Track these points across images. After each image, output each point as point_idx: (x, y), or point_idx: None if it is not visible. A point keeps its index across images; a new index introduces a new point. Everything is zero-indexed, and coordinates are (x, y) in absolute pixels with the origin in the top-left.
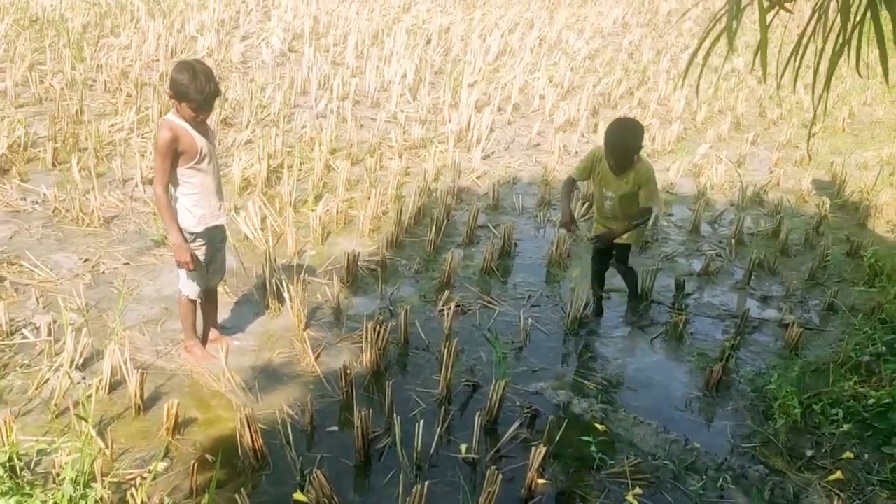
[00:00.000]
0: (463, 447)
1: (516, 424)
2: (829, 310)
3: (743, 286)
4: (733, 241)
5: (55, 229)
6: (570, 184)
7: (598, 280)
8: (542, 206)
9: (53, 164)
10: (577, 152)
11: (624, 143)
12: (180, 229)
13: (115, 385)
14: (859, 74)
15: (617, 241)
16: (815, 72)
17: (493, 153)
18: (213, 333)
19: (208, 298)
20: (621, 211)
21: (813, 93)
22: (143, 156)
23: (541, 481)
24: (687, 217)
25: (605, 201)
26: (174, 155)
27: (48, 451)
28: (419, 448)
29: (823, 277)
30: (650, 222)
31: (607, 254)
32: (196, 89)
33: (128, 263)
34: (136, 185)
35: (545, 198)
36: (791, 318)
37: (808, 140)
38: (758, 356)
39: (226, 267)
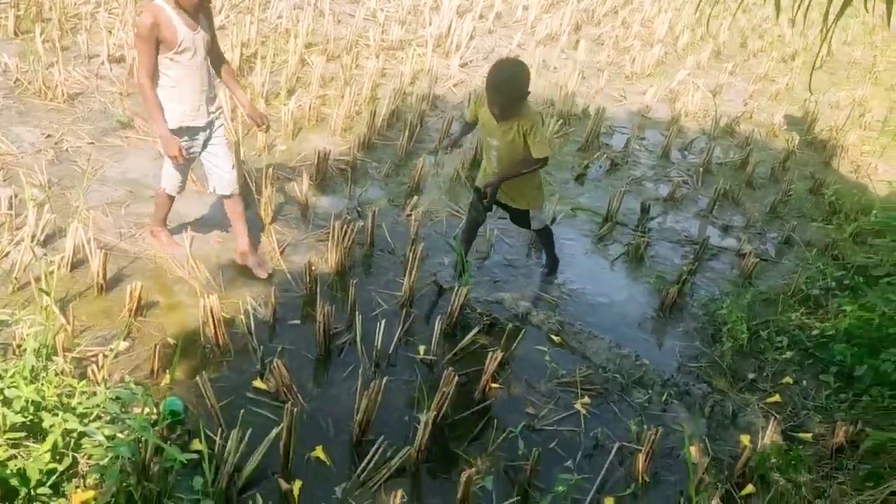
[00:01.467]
0: (422, 349)
1: (475, 331)
2: (786, 243)
3: (706, 214)
4: (701, 169)
5: (16, 101)
6: (465, 127)
7: (468, 236)
8: None
9: (15, 34)
10: (555, 68)
11: (505, 85)
12: (165, 120)
13: (78, 264)
14: (866, 9)
15: (512, 205)
16: (827, 11)
17: (471, 61)
18: (241, 245)
19: (228, 208)
20: (509, 162)
21: (824, 27)
22: (110, 32)
23: (494, 385)
24: (659, 142)
25: (490, 151)
26: (156, 42)
27: (9, 322)
28: (378, 346)
29: (784, 211)
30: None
31: (485, 210)
32: None
33: (92, 143)
34: (103, 63)
35: None
36: (748, 249)
37: (810, 77)
38: (713, 282)
39: (232, 177)
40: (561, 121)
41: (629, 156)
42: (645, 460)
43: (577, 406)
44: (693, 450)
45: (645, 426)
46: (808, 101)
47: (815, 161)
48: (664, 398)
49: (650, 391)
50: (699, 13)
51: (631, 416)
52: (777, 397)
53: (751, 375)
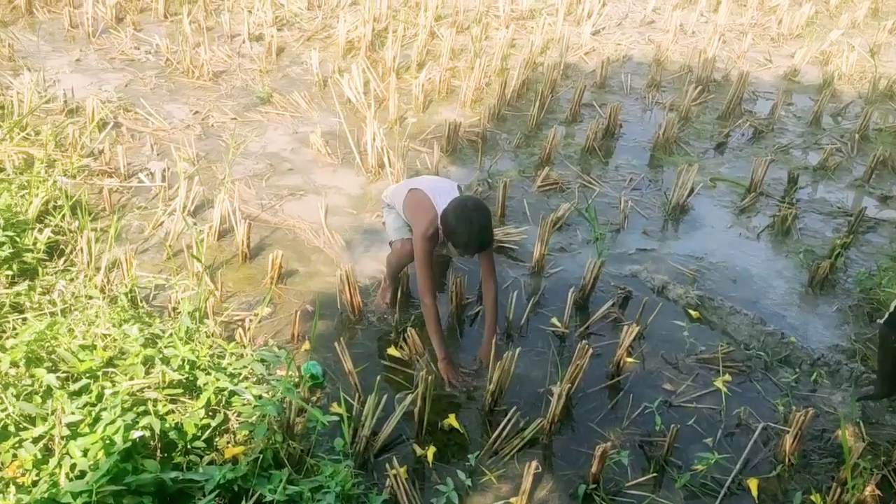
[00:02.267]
0: (555, 320)
1: (609, 303)
2: None
3: (862, 184)
4: (857, 135)
5: (167, 80)
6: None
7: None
8: (651, 88)
9: (165, 16)
10: (693, 32)
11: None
12: (447, 345)
13: (224, 233)
14: None
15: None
16: None
17: (603, 29)
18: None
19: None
20: None
21: None
22: (250, 12)
23: (629, 360)
24: (808, 108)
25: None
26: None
27: (164, 287)
28: (510, 317)
29: None
30: None
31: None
32: (467, 242)
33: (235, 118)
34: (244, 42)
35: (655, 79)
36: None
37: None
38: (870, 257)
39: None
40: (700, 87)
41: (775, 123)
42: (793, 442)
43: (718, 384)
44: (848, 433)
45: (793, 406)
46: None
47: None
48: (814, 378)
49: (798, 370)
50: None
51: (776, 395)
52: None
53: None
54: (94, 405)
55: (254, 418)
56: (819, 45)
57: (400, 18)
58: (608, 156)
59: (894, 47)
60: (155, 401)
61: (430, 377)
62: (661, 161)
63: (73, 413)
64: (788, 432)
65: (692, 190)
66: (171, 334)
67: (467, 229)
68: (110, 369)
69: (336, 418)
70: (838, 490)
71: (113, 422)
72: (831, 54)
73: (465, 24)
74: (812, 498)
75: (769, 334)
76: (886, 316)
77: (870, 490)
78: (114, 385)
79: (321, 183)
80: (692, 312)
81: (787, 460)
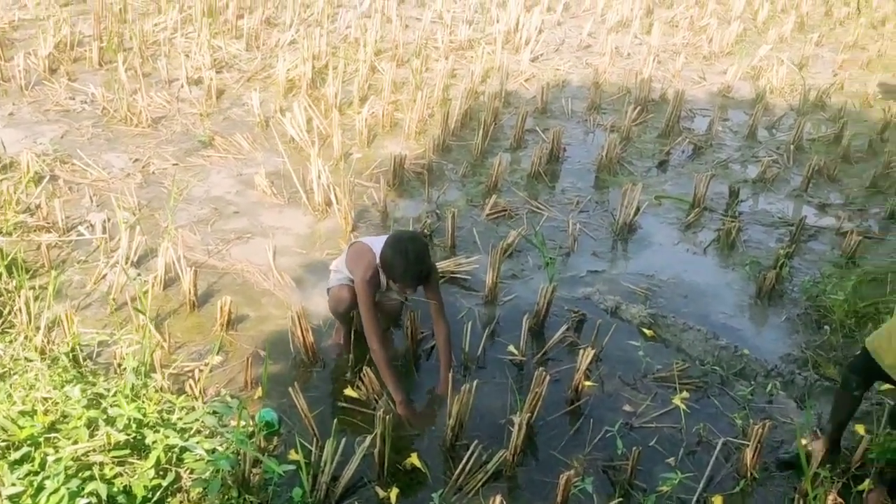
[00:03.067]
0: (511, 347)
1: (564, 328)
2: (891, 218)
3: (800, 193)
4: (792, 146)
5: (104, 129)
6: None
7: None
8: (592, 110)
9: (100, 64)
10: (629, 54)
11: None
12: (404, 386)
13: (170, 282)
14: None
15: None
16: None
17: (541, 55)
18: None
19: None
20: None
21: None
22: (187, 56)
23: (588, 383)
24: (743, 122)
25: None
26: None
27: (108, 342)
28: (466, 348)
29: (886, 185)
30: None
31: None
32: (404, 272)
33: (177, 164)
34: (182, 86)
35: (595, 101)
36: (850, 227)
37: None
38: (813, 265)
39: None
40: (638, 107)
41: (713, 138)
42: (753, 455)
43: (676, 401)
44: (805, 443)
45: (750, 420)
46: None
47: None
48: (769, 389)
49: (753, 382)
50: None
51: (734, 409)
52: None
53: None
54: (36, 473)
55: (207, 474)
56: (749, 61)
57: (340, 55)
58: (554, 180)
59: (821, 59)
60: (101, 464)
61: (388, 416)
62: (606, 182)
63: (13, 484)
64: (748, 446)
65: (638, 209)
66: (115, 392)
67: (403, 260)
68: (52, 434)
69: (293, 467)
70: (801, 502)
71: (56, 490)
72: (762, 69)
73: (405, 56)
74: None
75: (723, 348)
76: (852, 359)
77: (832, 499)
78: (56, 451)
79: (268, 224)
80: (646, 331)
81: (749, 474)
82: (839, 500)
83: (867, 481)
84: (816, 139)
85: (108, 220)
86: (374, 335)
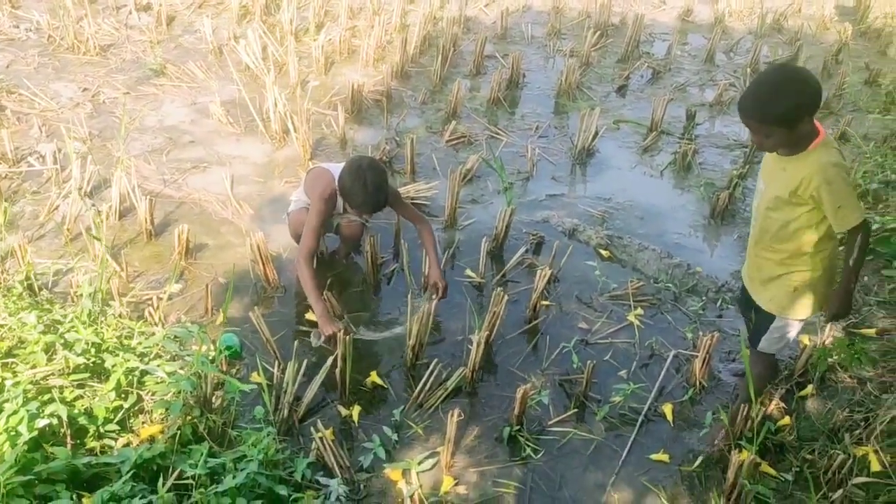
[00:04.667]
0: (469, 271)
1: (522, 250)
2: (841, 138)
3: None
4: (749, 70)
5: (51, 58)
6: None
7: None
8: (552, 36)
9: None
10: None
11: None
12: (325, 303)
13: (125, 212)
14: None
15: (753, 296)
16: None
17: None
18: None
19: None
20: (762, 227)
21: None
22: None
23: (545, 303)
24: (702, 46)
25: (754, 201)
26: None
27: (64, 271)
28: (425, 280)
29: (838, 106)
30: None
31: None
32: (363, 202)
33: (128, 93)
34: (131, 13)
35: (555, 27)
36: None
37: None
38: None
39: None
40: (598, 32)
41: (672, 63)
42: (702, 366)
43: (631, 318)
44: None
45: (700, 332)
46: None
47: (870, 51)
48: (719, 304)
49: (704, 298)
50: None
51: (686, 324)
52: None
53: None
54: None
55: (169, 395)
56: None
57: None
58: (514, 106)
59: None
60: (61, 388)
61: (348, 337)
62: (566, 107)
63: None
64: (697, 357)
65: (596, 133)
66: (72, 318)
67: (362, 189)
68: (10, 360)
69: (255, 387)
70: (745, 407)
71: (16, 412)
72: None
73: None
74: (721, 416)
75: (676, 266)
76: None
77: (775, 404)
78: (15, 375)
79: (225, 153)
80: (603, 252)
81: (697, 384)
82: (782, 404)
83: (809, 387)
84: (773, 62)
85: (59, 150)
86: (307, 251)
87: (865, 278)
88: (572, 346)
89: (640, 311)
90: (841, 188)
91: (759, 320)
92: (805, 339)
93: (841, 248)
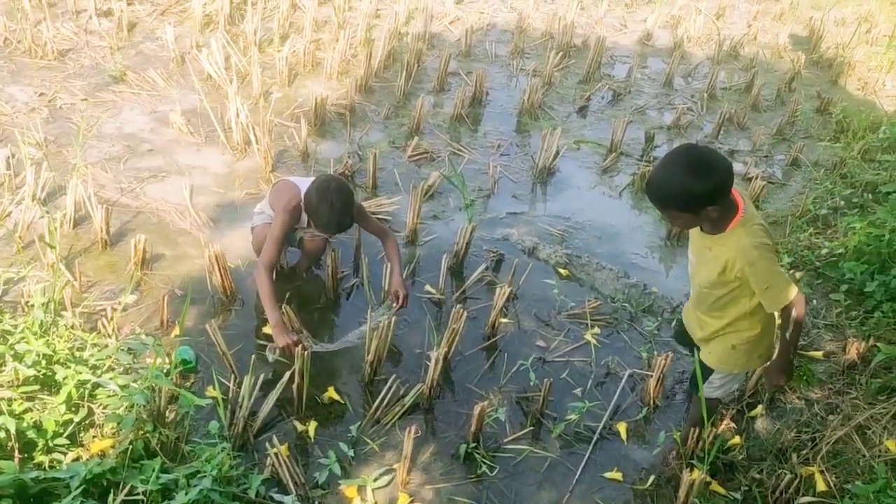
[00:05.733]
0: (429, 287)
1: (482, 267)
2: (794, 165)
3: (711, 140)
4: (706, 95)
5: (7, 61)
6: None
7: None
8: (515, 55)
9: None
10: None
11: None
12: (280, 311)
13: (80, 220)
14: None
15: (699, 344)
16: None
17: None
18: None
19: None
20: (699, 298)
21: None
22: None
23: (504, 320)
24: (661, 70)
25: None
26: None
27: (15, 280)
28: (386, 287)
29: (791, 133)
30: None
31: (685, 346)
32: (328, 222)
33: (86, 99)
34: (91, 18)
35: (519, 46)
36: (755, 172)
37: None
38: None
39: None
40: (561, 53)
41: (632, 85)
42: (656, 385)
43: (588, 337)
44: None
45: (655, 352)
46: (813, 20)
47: (822, 80)
48: (674, 324)
49: (660, 318)
50: None
51: (641, 343)
52: None
53: None
54: None
55: (121, 409)
56: (669, 10)
57: None
58: (476, 123)
59: (738, 10)
60: (9, 400)
61: (305, 352)
62: (528, 126)
63: None
64: (652, 377)
65: (557, 153)
66: (23, 329)
67: (329, 210)
68: None
69: (211, 401)
70: (696, 429)
71: None
72: (680, 18)
73: None
74: (674, 436)
75: (633, 286)
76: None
77: (725, 424)
78: None
79: (185, 163)
80: (561, 271)
81: (652, 403)
82: (732, 424)
83: (759, 407)
84: (729, 88)
85: (13, 155)
86: (267, 262)
87: (814, 301)
88: (529, 364)
89: (596, 330)
90: (765, 269)
91: (699, 366)
92: None
93: None
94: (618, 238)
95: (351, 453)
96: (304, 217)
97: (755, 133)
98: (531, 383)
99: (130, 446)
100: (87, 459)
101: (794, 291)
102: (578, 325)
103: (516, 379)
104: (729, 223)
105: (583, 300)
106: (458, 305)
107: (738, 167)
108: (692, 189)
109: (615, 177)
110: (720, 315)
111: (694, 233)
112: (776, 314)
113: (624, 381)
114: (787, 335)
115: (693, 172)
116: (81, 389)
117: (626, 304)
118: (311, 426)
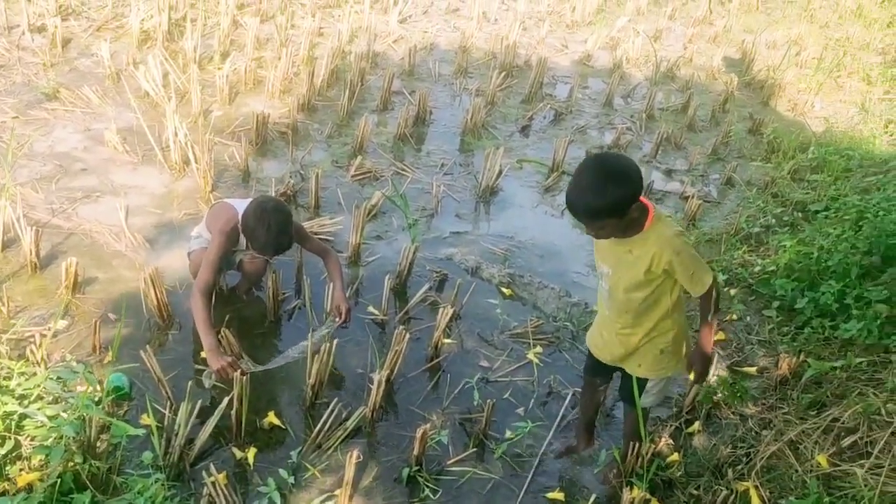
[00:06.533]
0: (371, 308)
1: (426, 287)
2: (728, 184)
3: (650, 159)
4: (644, 115)
5: None
6: None
7: (585, 425)
8: (458, 74)
9: None
10: (496, 19)
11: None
12: (215, 336)
13: (9, 243)
14: None
15: (624, 366)
16: None
17: (410, 17)
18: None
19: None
20: (621, 308)
21: None
22: (29, 1)
23: (447, 340)
24: (601, 90)
25: (600, 282)
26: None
27: None
28: (328, 309)
29: (725, 153)
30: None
31: (603, 376)
32: (265, 244)
33: (17, 117)
34: (24, 33)
35: (462, 65)
36: (692, 191)
37: None
38: None
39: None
40: (504, 73)
41: (573, 105)
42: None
43: (530, 356)
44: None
45: None
46: (745, 42)
47: (754, 101)
48: (585, 363)
49: None
50: None
51: (582, 362)
52: (722, 334)
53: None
54: None
55: (49, 441)
56: (608, 31)
57: (199, 7)
58: (420, 142)
59: (674, 32)
60: None
61: (244, 377)
62: (471, 145)
63: None
64: None
65: (500, 172)
66: None
67: (266, 232)
68: None
69: (143, 431)
70: (636, 445)
71: None
72: (619, 40)
73: (270, 12)
74: (614, 454)
75: (574, 305)
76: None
77: (664, 441)
78: None
79: (120, 183)
80: (504, 290)
81: None
82: (670, 441)
83: (696, 424)
84: (666, 108)
85: None
86: (203, 285)
87: (748, 318)
88: (473, 384)
89: (539, 349)
90: (689, 255)
91: (629, 384)
92: (692, 377)
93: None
94: (560, 257)
95: (291, 480)
96: (243, 239)
97: (691, 153)
98: (475, 404)
99: (59, 479)
100: (14, 494)
101: (711, 273)
102: (521, 344)
103: (459, 400)
104: (646, 220)
105: (525, 319)
106: (402, 326)
107: (675, 186)
108: (619, 194)
109: (557, 196)
110: (646, 319)
111: (605, 244)
112: (685, 308)
113: (567, 400)
114: (710, 317)
115: (615, 179)
116: (7, 421)
117: (568, 323)
118: (251, 453)
